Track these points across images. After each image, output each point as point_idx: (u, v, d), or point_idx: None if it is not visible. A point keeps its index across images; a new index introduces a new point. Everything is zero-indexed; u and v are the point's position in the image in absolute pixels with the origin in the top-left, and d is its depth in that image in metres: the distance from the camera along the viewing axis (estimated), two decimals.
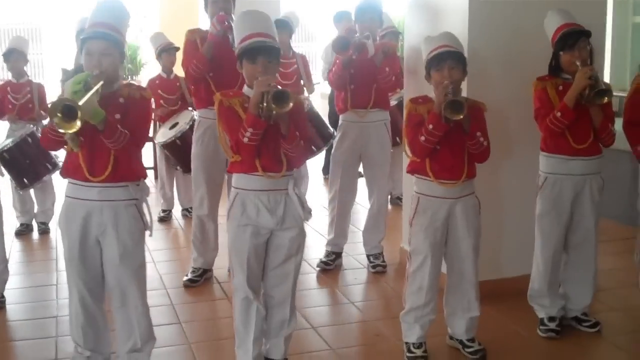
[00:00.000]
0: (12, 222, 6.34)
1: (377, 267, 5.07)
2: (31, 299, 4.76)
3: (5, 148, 5.66)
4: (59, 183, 4.35)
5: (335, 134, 5.22)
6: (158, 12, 13.51)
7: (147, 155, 8.20)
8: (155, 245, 5.81)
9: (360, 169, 5.29)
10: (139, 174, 3.33)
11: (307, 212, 3.39)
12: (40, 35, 16.92)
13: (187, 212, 6.59)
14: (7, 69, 6.31)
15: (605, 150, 3.86)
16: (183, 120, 6.21)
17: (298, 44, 15.28)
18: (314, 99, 7.78)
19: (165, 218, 6.66)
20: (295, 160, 3.33)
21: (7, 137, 5.94)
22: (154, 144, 7.30)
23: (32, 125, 5.97)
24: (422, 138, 3.41)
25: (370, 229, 5.16)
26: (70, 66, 5.74)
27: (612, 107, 3.78)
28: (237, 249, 3.35)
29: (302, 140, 3.28)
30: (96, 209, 3.21)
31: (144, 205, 3.38)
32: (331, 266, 5.13)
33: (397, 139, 5.72)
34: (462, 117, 3.27)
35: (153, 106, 6.69)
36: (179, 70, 5.42)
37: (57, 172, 4.66)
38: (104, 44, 3.18)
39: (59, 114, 2.86)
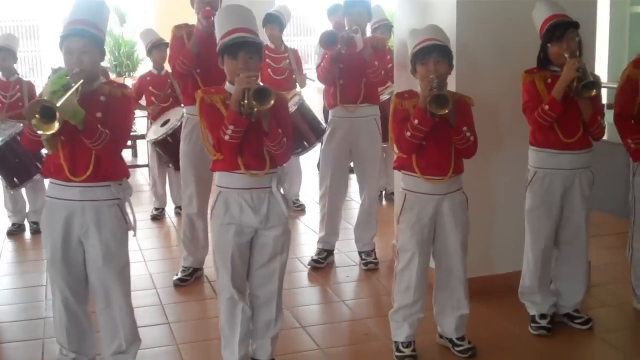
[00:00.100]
0: (3, 222, 6.34)
1: (369, 264, 5.01)
2: (22, 300, 4.73)
3: None
4: None
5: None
6: (153, 8, 13.47)
7: (143, 153, 8.19)
8: (146, 244, 5.78)
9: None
10: (122, 173, 3.28)
11: (292, 210, 3.33)
12: (37, 33, 16.84)
13: (180, 210, 6.50)
14: None
15: (601, 143, 3.81)
16: (174, 117, 6.14)
17: (295, 38, 15.19)
18: (310, 93, 7.74)
19: (158, 216, 6.62)
20: (279, 158, 3.28)
21: None
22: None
23: (21, 124, 5.90)
24: (408, 133, 3.35)
25: (361, 226, 5.11)
26: (62, 64, 5.68)
27: (602, 100, 3.72)
28: (221, 249, 3.31)
29: (285, 137, 3.23)
30: (78, 209, 3.17)
31: (127, 204, 3.32)
32: (322, 264, 5.07)
33: None
34: (447, 111, 3.21)
35: (144, 103, 6.66)
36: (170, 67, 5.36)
37: None
38: (84, 41, 3.13)
39: (37, 115, 2.82)
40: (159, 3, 12.97)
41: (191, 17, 4.69)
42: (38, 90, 6.23)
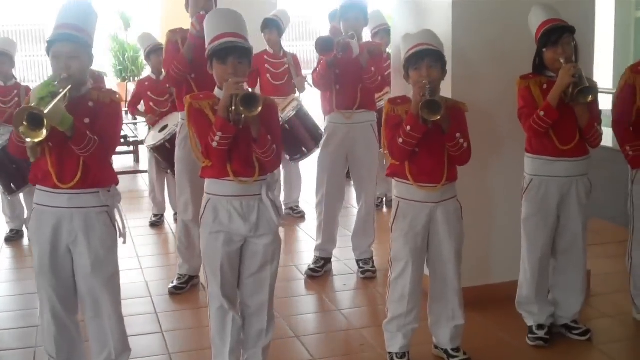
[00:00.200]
0: (1, 228, 6.31)
1: (367, 272, 4.95)
2: (19, 307, 4.68)
3: None
4: None
5: None
6: (159, 12, 13.47)
7: (145, 158, 8.15)
8: (144, 251, 5.75)
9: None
10: (110, 180, 3.24)
11: (282, 218, 3.29)
12: (43, 37, 16.92)
13: None
14: None
15: (602, 149, 3.74)
16: (172, 122, 6.09)
17: (298, 43, 15.16)
18: (313, 98, 7.69)
19: (157, 223, 6.57)
20: (269, 165, 3.22)
21: None
22: None
23: None
24: (400, 140, 3.29)
25: (359, 233, 5.05)
26: None
27: (599, 106, 3.64)
28: (210, 257, 3.26)
29: (275, 144, 3.18)
30: (66, 216, 3.13)
31: (116, 212, 3.28)
32: (319, 273, 5.01)
33: None
34: (439, 117, 3.15)
35: (143, 109, 6.62)
36: None
37: None
38: (71, 47, 3.09)
39: (24, 123, 2.78)
40: (165, 7, 12.96)
41: None
42: None
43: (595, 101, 3.54)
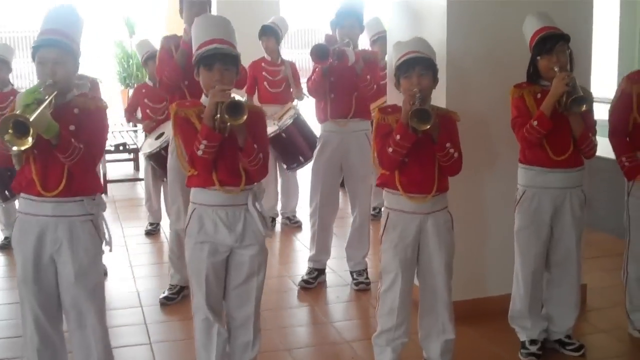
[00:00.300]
0: None
1: (360, 284, 4.87)
2: (12, 317, 4.59)
3: None
4: None
5: None
6: (164, 19, 13.46)
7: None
8: (137, 260, 5.68)
9: None
10: (95, 188, 3.19)
11: (269, 229, 3.22)
12: None
13: None
14: None
15: (602, 160, 3.64)
16: (169, 130, 6.03)
17: (300, 51, 15.08)
18: (308, 106, 7.62)
19: (152, 232, 6.51)
20: (255, 174, 3.16)
21: None
22: None
23: None
24: (390, 149, 3.22)
25: (353, 244, 4.96)
26: None
27: (594, 116, 3.56)
28: (195, 268, 3.22)
29: (262, 153, 3.12)
30: (51, 225, 3.08)
31: (101, 220, 3.22)
32: (313, 284, 4.93)
33: None
34: (429, 126, 3.08)
35: (140, 115, 6.57)
36: None
37: None
38: (57, 52, 3.04)
39: (10, 131, 2.73)
40: (169, 14, 12.94)
41: None
42: None
43: (590, 111, 3.46)
